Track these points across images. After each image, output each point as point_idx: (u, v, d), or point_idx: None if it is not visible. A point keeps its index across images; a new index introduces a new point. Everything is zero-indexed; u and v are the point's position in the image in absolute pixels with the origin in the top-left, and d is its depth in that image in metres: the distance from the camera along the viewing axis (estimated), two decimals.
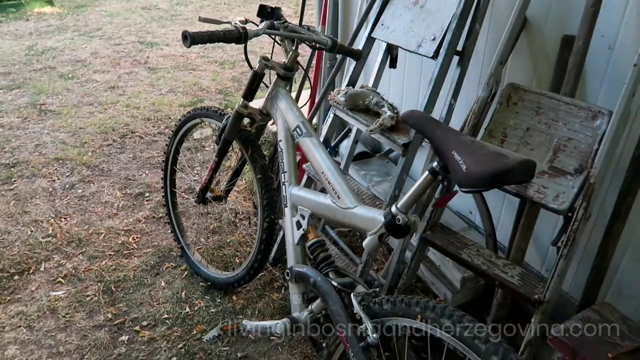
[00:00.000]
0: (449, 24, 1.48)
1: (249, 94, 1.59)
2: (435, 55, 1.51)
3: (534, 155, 1.35)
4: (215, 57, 4.84)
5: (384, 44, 1.83)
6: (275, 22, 1.46)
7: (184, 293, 1.99)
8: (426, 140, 1.09)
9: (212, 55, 4.89)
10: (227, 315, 1.89)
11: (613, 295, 1.46)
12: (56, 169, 2.81)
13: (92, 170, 2.81)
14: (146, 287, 2.02)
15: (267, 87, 1.62)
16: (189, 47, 1.26)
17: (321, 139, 1.88)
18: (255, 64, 1.58)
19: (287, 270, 1.43)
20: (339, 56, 2.12)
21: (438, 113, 1.57)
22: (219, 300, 1.95)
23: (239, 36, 1.33)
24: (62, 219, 2.41)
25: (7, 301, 1.95)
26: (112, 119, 3.38)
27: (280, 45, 1.54)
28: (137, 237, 2.30)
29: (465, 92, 1.62)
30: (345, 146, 2.54)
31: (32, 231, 2.32)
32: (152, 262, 2.15)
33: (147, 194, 2.61)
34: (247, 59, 1.59)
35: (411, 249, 1.67)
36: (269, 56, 1.60)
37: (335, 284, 1.23)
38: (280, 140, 1.51)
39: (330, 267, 1.32)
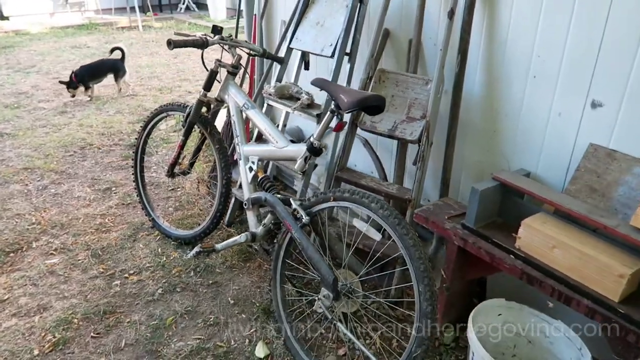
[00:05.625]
0: (339, 35, 2.26)
1: (208, 86, 2.26)
2: (332, 55, 2.28)
3: (398, 112, 2.14)
4: (153, 84, 5.40)
5: (299, 52, 2.59)
6: (223, 35, 2.16)
7: (159, 249, 2.53)
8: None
9: (149, 83, 5.45)
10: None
11: (453, 195, 2.25)
12: (26, 176, 3.22)
13: (60, 175, 3.25)
14: (127, 249, 2.53)
15: (219, 82, 2.29)
16: (172, 49, 1.91)
17: None
18: (210, 66, 2.25)
19: (245, 202, 2.07)
20: (268, 62, 2.85)
21: None
22: (189, 251, 2.51)
23: (203, 43, 2.01)
24: (43, 211, 2.84)
25: (9, 270, 2.36)
26: (69, 136, 3.83)
27: (228, 52, 2.23)
28: (112, 218, 2.80)
29: (355, 80, 2.39)
30: None
31: (17, 222, 2.73)
32: (128, 233, 2.66)
33: (114, 188, 3.12)
34: (203, 62, 2.25)
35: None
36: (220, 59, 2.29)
37: (280, 197, 1.91)
38: (233, 115, 2.19)
39: (275, 190, 1.99)
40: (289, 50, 2.55)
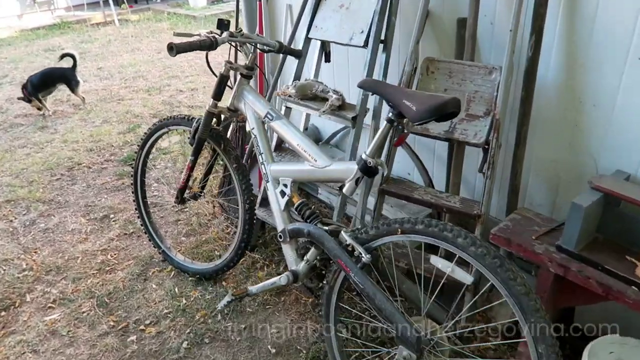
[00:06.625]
0: (372, 18, 1.86)
1: (218, 95, 1.85)
2: (365, 45, 1.88)
3: None
4: (139, 85, 4.93)
5: (318, 43, 2.18)
6: (233, 31, 1.75)
7: (176, 289, 2.16)
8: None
9: (135, 84, 4.97)
10: (222, 297, 2.09)
11: (525, 204, 1.90)
12: (10, 210, 2.80)
13: (48, 205, 2.84)
14: (139, 292, 2.16)
15: (230, 87, 1.89)
16: (175, 56, 1.51)
17: None
18: (218, 70, 1.84)
19: (280, 233, 1.70)
20: (278, 56, 2.45)
21: None
22: (211, 288, 2.15)
23: (211, 43, 1.60)
24: (33, 253, 2.45)
25: (2, 335, 1.98)
26: (53, 156, 3.39)
27: (239, 50, 1.83)
28: (115, 254, 2.42)
29: (391, 72, 2.01)
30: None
31: (4, 270, 2.34)
32: (137, 271, 2.28)
33: (112, 215, 2.72)
34: (209, 66, 1.84)
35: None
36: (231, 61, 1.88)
37: (326, 229, 1.54)
38: (253, 128, 1.79)
39: (317, 219, 1.62)
40: (307, 41, 2.15)
